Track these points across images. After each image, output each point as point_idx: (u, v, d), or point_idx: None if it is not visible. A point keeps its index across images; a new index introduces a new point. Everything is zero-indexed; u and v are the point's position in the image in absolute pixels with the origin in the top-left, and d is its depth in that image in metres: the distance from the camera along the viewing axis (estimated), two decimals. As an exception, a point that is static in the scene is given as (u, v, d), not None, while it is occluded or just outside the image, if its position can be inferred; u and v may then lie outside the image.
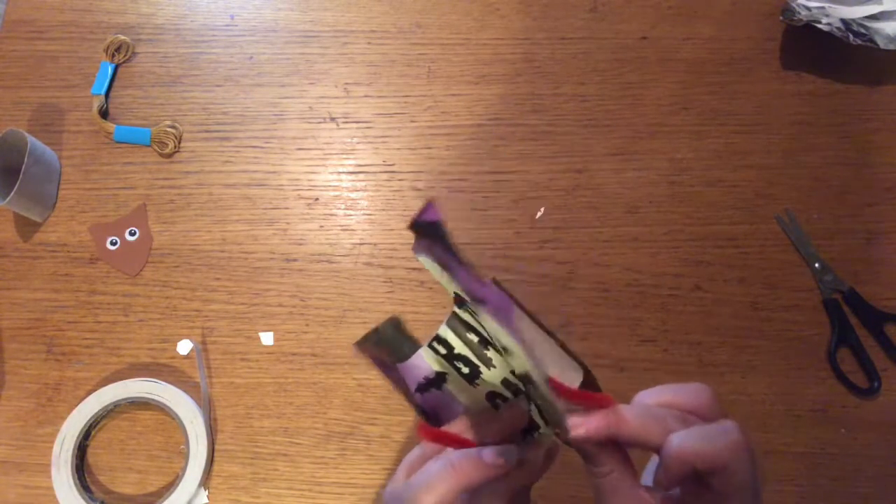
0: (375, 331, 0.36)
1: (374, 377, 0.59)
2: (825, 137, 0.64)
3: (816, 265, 0.60)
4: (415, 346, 0.37)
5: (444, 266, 0.31)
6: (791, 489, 0.55)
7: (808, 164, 0.63)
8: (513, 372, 0.34)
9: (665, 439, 0.30)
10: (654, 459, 0.36)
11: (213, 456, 0.57)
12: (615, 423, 0.31)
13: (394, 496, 0.34)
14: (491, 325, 0.31)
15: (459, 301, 0.35)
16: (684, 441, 0.30)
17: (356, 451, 0.57)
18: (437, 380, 0.37)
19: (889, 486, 0.55)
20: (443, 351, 0.36)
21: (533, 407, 0.34)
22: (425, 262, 0.33)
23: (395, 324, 0.37)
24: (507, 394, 0.35)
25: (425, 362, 0.37)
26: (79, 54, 0.70)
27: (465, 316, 0.35)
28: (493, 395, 0.35)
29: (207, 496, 0.56)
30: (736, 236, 0.61)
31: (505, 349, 0.32)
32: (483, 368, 0.35)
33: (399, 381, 0.37)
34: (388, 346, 0.37)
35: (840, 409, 0.57)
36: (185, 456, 0.56)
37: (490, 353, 0.35)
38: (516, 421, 0.34)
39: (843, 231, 0.61)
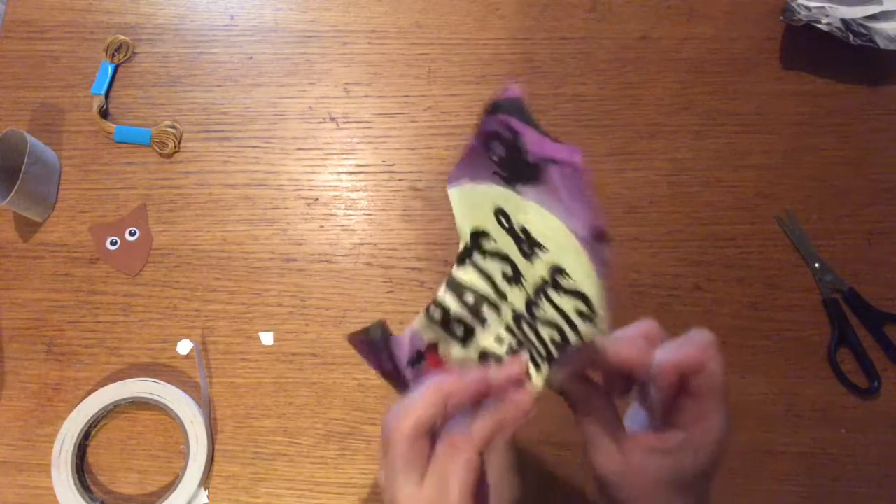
0: (365, 330, 0.37)
1: (374, 377, 0.59)
2: (825, 137, 0.64)
3: (816, 265, 0.60)
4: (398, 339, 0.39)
5: (515, 136, 0.31)
6: (791, 489, 0.55)
7: (808, 164, 0.63)
8: (526, 303, 0.35)
9: (643, 360, 0.34)
10: (634, 406, 0.39)
11: (213, 456, 0.57)
12: (602, 354, 0.34)
13: (389, 415, 0.35)
14: (533, 217, 0.32)
15: (460, 259, 0.36)
16: (669, 352, 0.34)
17: (356, 451, 0.57)
18: (429, 350, 0.38)
19: (889, 486, 0.55)
20: (438, 316, 0.37)
21: (527, 356, 0.36)
22: (458, 193, 0.34)
23: (383, 325, 0.38)
24: (500, 351, 0.36)
25: (419, 337, 0.38)
26: (79, 54, 0.70)
27: (462, 275, 0.36)
28: (484, 355, 0.36)
29: (207, 496, 0.56)
30: (736, 236, 0.61)
31: (540, 245, 0.32)
32: (478, 328, 0.37)
33: (387, 361, 0.38)
34: (374, 340, 0.38)
35: (840, 409, 0.57)
36: (185, 456, 0.56)
37: (484, 309, 0.36)
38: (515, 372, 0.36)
39: (843, 231, 0.61)
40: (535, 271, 0.33)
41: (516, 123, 0.31)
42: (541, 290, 0.33)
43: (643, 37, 0.68)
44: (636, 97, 0.66)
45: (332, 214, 0.64)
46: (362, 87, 0.68)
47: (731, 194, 0.63)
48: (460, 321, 0.37)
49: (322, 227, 0.63)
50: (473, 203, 0.35)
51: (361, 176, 0.65)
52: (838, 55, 0.66)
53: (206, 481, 0.56)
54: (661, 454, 0.35)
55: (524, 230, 0.33)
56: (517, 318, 0.36)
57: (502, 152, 0.32)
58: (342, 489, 0.56)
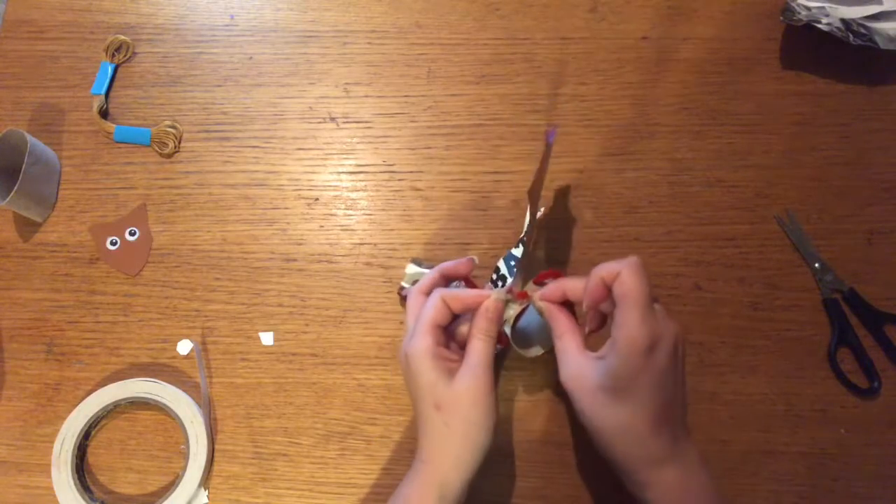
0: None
1: (374, 377, 0.59)
2: (825, 137, 0.64)
3: (816, 265, 0.60)
4: None
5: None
6: (791, 489, 0.55)
7: (808, 164, 0.63)
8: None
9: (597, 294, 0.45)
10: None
11: (213, 456, 0.57)
12: (562, 286, 0.47)
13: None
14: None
15: (517, 244, 0.55)
16: (599, 266, 0.44)
17: (356, 451, 0.57)
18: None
19: (889, 486, 0.55)
20: (494, 276, 0.56)
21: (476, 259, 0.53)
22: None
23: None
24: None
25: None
26: (79, 54, 0.70)
27: (516, 251, 0.54)
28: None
29: (207, 496, 0.56)
30: (736, 236, 0.61)
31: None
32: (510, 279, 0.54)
33: None
34: None
35: (840, 409, 0.57)
36: (185, 456, 0.56)
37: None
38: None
39: (843, 231, 0.61)
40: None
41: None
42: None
43: (643, 37, 0.68)
44: (636, 97, 0.66)
45: (332, 214, 0.64)
46: (362, 87, 0.68)
47: (731, 194, 0.63)
48: (503, 278, 0.55)
49: (322, 227, 0.63)
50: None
51: (361, 176, 0.65)
52: (838, 55, 0.66)
53: (206, 481, 0.56)
54: (594, 360, 0.44)
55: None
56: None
57: None
58: (342, 489, 0.56)
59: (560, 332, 0.47)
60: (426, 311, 0.47)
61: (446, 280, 0.51)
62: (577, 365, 0.45)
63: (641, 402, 0.42)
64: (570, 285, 0.47)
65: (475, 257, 0.52)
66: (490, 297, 0.47)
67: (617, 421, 0.43)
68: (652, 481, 0.43)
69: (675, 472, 0.43)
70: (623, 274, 0.42)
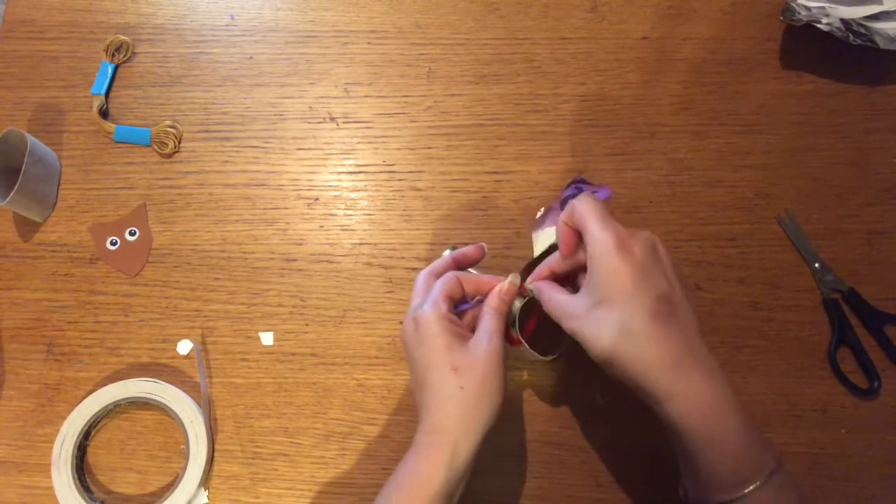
0: None
1: (374, 377, 0.59)
2: (825, 137, 0.64)
3: (816, 265, 0.60)
4: None
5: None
6: (791, 489, 0.55)
7: (808, 164, 0.63)
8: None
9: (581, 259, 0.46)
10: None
11: (213, 456, 0.57)
12: (547, 264, 0.49)
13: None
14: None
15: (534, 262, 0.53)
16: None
17: (356, 451, 0.57)
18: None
19: (889, 486, 0.55)
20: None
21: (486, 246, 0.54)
22: (540, 235, 0.53)
23: None
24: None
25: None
26: (79, 54, 0.70)
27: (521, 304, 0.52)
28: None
29: (207, 496, 0.56)
30: (736, 236, 0.61)
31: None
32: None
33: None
34: None
35: (840, 409, 0.57)
36: (185, 456, 0.56)
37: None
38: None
39: (843, 231, 0.61)
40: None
41: (584, 186, 0.55)
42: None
43: (643, 37, 0.68)
44: (636, 97, 0.66)
45: (332, 214, 0.64)
46: (362, 87, 0.67)
47: (731, 194, 0.63)
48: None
49: (322, 227, 0.63)
50: (545, 240, 0.52)
51: (361, 176, 0.65)
52: (838, 55, 0.66)
53: (206, 481, 0.56)
54: (579, 293, 0.44)
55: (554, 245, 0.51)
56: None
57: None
58: (342, 489, 0.56)
59: (543, 290, 0.47)
60: (441, 284, 0.48)
61: (458, 266, 0.52)
62: (566, 303, 0.45)
63: (633, 298, 0.40)
64: (552, 260, 0.48)
65: (485, 245, 0.52)
66: (505, 280, 0.50)
67: (618, 328, 0.40)
68: (675, 390, 0.40)
69: (699, 377, 0.41)
70: (575, 204, 0.44)
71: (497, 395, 0.45)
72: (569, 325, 0.44)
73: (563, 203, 0.51)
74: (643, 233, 0.43)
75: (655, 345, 0.40)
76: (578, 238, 0.45)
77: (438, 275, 0.50)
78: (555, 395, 0.57)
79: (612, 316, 0.41)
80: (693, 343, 0.41)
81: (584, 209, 0.44)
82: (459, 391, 0.44)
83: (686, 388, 0.40)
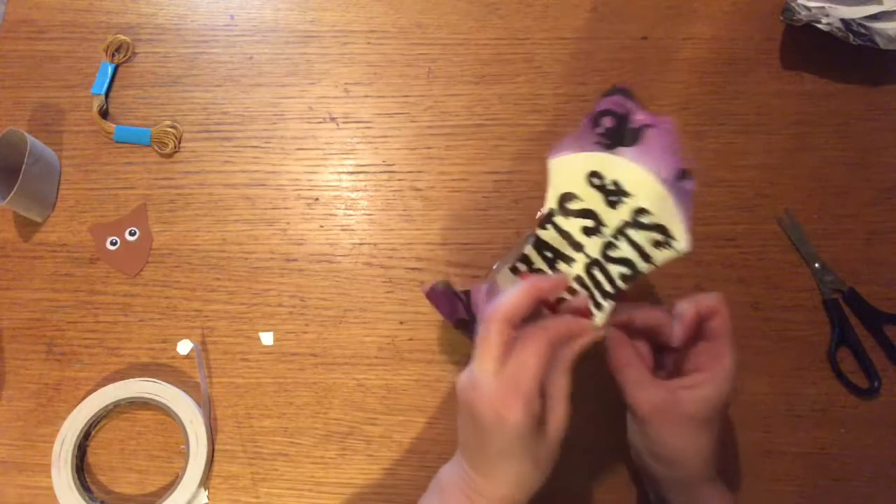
0: (436, 284, 0.50)
1: (374, 377, 0.59)
2: (825, 137, 0.64)
3: (816, 265, 0.60)
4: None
5: (626, 111, 0.43)
6: (791, 489, 0.55)
7: (808, 164, 0.63)
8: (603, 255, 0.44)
9: (666, 320, 0.45)
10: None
11: (213, 456, 0.57)
12: (630, 316, 0.45)
13: (490, 306, 0.41)
14: (626, 172, 0.43)
15: (542, 223, 0.44)
16: (689, 302, 0.45)
17: (356, 451, 0.57)
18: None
19: (889, 486, 0.55)
20: (523, 269, 0.45)
21: (596, 292, 0.44)
22: (558, 162, 0.44)
23: (447, 284, 0.50)
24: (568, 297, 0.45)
25: (497, 288, 0.47)
26: (79, 54, 0.70)
27: (544, 234, 0.44)
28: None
29: (207, 496, 0.56)
30: (736, 236, 0.61)
31: (626, 193, 0.43)
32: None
33: (463, 310, 0.49)
34: (451, 291, 0.50)
35: (840, 409, 0.57)
36: (185, 456, 0.56)
37: (559, 264, 0.45)
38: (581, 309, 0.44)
39: (843, 231, 0.61)
40: (617, 215, 0.43)
41: (629, 102, 0.44)
42: (621, 230, 0.43)
43: (643, 37, 0.68)
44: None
45: (332, 214, 0.64)
46: (362, 87, 0.67)
47: (731, 194, 0.63)
48: (539, 270, 0.45)
49: (322, 227, 0.63)
50: (567, 170, 0.44)
51: (361, 176, 0.65)
52: (838, 55, 0.66)
53: (206, 481, 0.56)
54: (687, 391, 0.43)
55: (615, 182, 0.43)
56: (590, 264, 0.44)
57: (610, 124, 0.43)
58: (342, 489, 0.56)
59: (626, 361, 0.44)
60: (535, 362, 0.39)
61: (539, 304, 0.43)
62: (659, 396, 0.43)
63: (716, 427, 0.45)
64: (641, 316, 0.45)
65: (564, 274, 0.44)
66: (595, 330, 0.43)
67: (698, 446, 0.44)
68: (705, 496, 0.46)
69: (721, 487, 0.46)
70: (724, 313, 0.44)
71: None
72: (651, 415, 0.44)
73: (595, 120, 0.44)
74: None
75: (709, 465, 0.45)
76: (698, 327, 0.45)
77: (516, 321, 0.40)
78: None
79: (700, 436, 0.44)
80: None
81: (728, 325, 0.44)
82: (536, 474, 0.42)
83: (714, 494, 0.46)
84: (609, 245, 0.44)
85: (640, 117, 0.43)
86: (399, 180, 0.64)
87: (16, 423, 0.59)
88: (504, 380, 0.39)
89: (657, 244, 0.43)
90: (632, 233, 0.43)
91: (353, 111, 0.67)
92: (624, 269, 0.43)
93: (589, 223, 0.44)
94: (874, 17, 0.63)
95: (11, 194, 0.60)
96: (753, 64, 0.67)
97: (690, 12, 0.69)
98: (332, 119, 0.67)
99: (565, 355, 0.41)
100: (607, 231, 0.44)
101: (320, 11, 0.70)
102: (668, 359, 0.48)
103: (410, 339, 0.59)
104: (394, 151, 0.65)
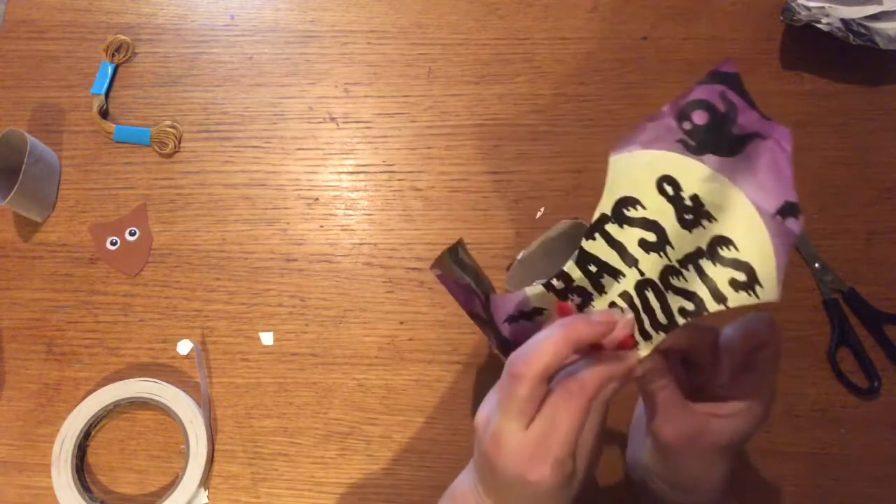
0: (449, 251, 0.39)
1: (374, 377, 0.59)
2: (825, 137, 0.64)
3: (816, 265, 0.60)
4: (475, 270, 0.41)
5: (729, 108, 0.33)
6: (791, 489, 0.55)
7: (808, 164, 0.63)
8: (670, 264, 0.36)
9: (705, 339, 0.39)
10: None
11: (213, 456, 0.57)
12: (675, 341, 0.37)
13: (518, 353, 0.36)
14: (711, 187, 0.33)
15: (589, 232, 0.37)
16: (738, 330, 0.39)
17: (356, 451, 0.57)
18: (533, 313, 0.40)
19: (889, 486, 0.55)
20: (560, 286, 0.38)
21: (645, 318, 0.36)
22: (620, 159, 0.36)
23: (462, 246, 0.41)
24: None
25: (524, 295, 0.39)
26: (79, 54, 0.70)
27: (589, 247, 0.37)
28: None
29: (207, 496, 0.56)
30: (736, 236, 0.61)
31: (709, 215, 0.34)
32: (596, 295, 0.38)
33: (479, 307, 0.40)
34: (461, 265, 0.40)
35: (840, 409, 0.57)
36: (185, 456, 0.56)
37: (605, 278, 0.37)
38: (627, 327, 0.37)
39: (843, 231, 0.61)
40: (692, 240, 0.34)
41: (734, 96, 0.33)
42: (691, 258, 0.34)
43: (643, 37, 0.68)
44: (636, 97, 0.66)
45: (332, 214, 0.64)
46: (362, 87, 0.67)
47: (731, 194, 0.63)
48: (579, 288, 0.38)
49: (322, 227, 0.63)
50: (633, 170, 0.35)
51: (361, 176, 0.65)
52: (838, 55, 0.66)
53: (206, 481, 0.56)
54: (721, 420, 0.39)
55: (695, 198, 0.34)
56: (642, 284, 0.36)
57: (702, 121, 0.33)
58: (342, 489, 0.56)
59: (661, 385, 0.39)
60: (569, 426, 0.34)
61: (582, 352, 0.36)
62: (691, 425, 0.39)
63: (739, 451, 0.43)
64: (683, 340, 0.39)
65: (615, 312, 0.37)
66: (641, 365, 0.37)
67: (721, 473, 0.41)
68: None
69: (732, 502, 0.44)
70: (775, 342, 0.39)
71: None
72: (680, 441, 0.39)
73: (683, 112, 0.35)
74: None
75: (725, 488, 0.42)
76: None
77: (550, 375, 0.35)
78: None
79: (724, 464, 0.41)
80: None
81: (777, 358, 0.40)
82: None
83: None
84: (672, 271, 0.35)
85: (747, 121, 0.33)
86: (399, 180, 0.64)
87: (16, 423, 0.59)
88: (532, 440, 0.34)
89: (737, 285, 0.33)
90: (706, 265, 0.34)
91: (353, 111, 0.67)
92: (686, 304, 0.35)
93: (650, 237, 0.35)
94: (874, 17, 0.63)
95: (11, 194, 0.60)
96: (753, 64, 0.67)
97: (690, 12, 0.69)
98: (332, 119, 0.67)
99: (601, 396, 0.36)
100: (672, 254, 0.35)
101: (320, 11, 0.70)
102: (694, 374, 0.42)
103: (410, 339, 0.59)
104: (394, 151, 0.65)
